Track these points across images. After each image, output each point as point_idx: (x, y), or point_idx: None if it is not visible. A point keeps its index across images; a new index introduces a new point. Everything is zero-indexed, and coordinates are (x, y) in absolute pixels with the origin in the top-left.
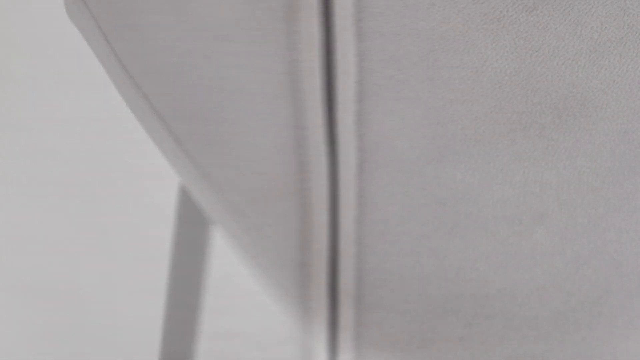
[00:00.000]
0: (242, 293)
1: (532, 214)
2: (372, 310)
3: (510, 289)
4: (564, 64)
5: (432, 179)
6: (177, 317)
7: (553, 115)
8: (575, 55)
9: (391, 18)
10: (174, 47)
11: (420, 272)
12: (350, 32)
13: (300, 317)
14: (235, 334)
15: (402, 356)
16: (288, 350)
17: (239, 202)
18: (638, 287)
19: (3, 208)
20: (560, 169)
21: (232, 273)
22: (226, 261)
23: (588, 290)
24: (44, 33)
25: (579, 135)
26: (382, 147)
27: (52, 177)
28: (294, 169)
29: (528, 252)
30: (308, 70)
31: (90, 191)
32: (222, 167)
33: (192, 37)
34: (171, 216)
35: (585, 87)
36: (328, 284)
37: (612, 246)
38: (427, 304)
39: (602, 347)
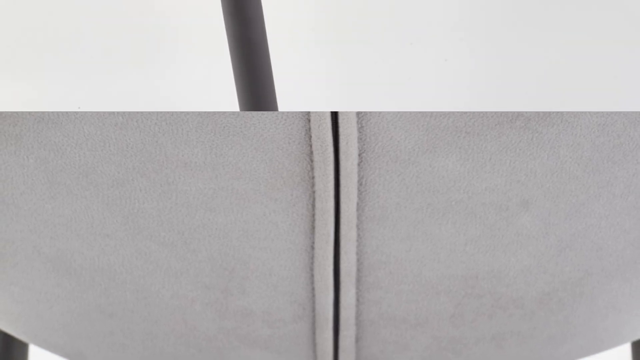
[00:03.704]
0: (254, 274)
1: (518, 201)
2: (371, 290)
3: (498, 270)
4: None
5: (426, 168)
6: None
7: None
8: None
9: None
10: None
11: (415, 255)
12: None
13: (307, 297)
14: (248, 312)
15: (397, 333)
16: (297, 328)
17: (250, 190)
18: (617, 269)
19: (47, 197)
20: (544, 159)
21: (244, 255)
22: (239, 244)
23: (570, 272)
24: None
25: (561, 127)
26: (381, 139)
27: (89, 167)
28: (302, 158)
29: (514, 236)
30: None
31: (124, 180)
32: (238, 155)
33: None
34: (199, 202)
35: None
36: (332, 266)
37: (592, 231)
38: (421, 285)
39: (583, 325)
